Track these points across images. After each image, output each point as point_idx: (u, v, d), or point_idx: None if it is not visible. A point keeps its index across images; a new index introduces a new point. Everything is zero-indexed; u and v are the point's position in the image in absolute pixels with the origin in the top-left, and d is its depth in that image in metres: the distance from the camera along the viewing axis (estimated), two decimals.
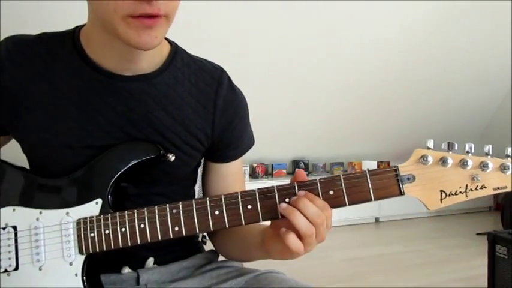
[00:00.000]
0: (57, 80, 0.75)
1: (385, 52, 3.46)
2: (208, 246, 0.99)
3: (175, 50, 0.81)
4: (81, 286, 0.71)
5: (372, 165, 4.37)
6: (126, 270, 0.80)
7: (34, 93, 0.75)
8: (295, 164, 4.19)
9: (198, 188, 1.05)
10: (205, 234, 0.97)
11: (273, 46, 3.11)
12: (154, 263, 0.83)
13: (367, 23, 3.15)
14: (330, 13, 2.98)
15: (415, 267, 2.86)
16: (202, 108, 0.81)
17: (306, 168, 4.19)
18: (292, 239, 0.64)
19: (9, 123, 0.78)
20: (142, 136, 0.77)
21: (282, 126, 3.81)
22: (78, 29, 0.78)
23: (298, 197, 0.65)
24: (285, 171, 4.15)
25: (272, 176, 4.11)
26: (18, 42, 0.77)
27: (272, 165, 4.14)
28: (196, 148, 0.82)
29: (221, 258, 0.93)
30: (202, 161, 0.93)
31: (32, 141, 0.77)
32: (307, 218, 0.63)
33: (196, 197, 1.01)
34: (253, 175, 4.00)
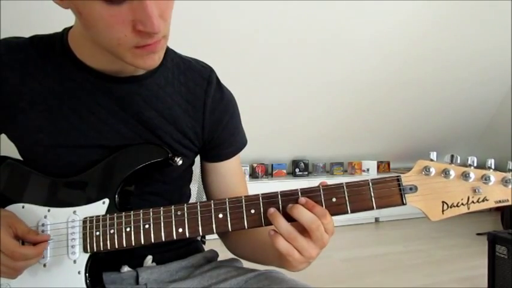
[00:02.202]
0: (49, 81, 0.76)
1: (385, 52, 3.46)
2: (208, 245, 0.99)
3: (166, 51, 0.82)
4: (84, 284, 0.72)
5: (371, 165, 4.38)
6: (126, 269, 0.82)
7: (27, 95, 0.76)
8: (295, 164, 4.18)
9: (196, 187, 1.05)
10: None
11: (273, 47, 3.11)
12: (152, 261, 0.84)
13: (367, 22, 3.15)
14: (330, 13, 2.98)
15: (415, 267, 2.87)
16: (192, 108, 0.83)
17: (306, 168, 4.18)
18: (280, 241, 0.65)
19: (3, 124, 0.79)
20: (134, 135, 0.79)
21: (282, 126, 3.81)
22: (66, 31, 0.79)
23: (293, 205, 0.66)
24: (285, 171, 4.14)
25: (272, 176, 4.10)
26: (10, 45, 0.78)
27: (272, 165, 4.14)
28: (188, 147, 0.84)
29: (220, 258, 0.94)
30: (199, 162, 0.94)
31: (26, 142, 0.78)
32: (302, 223, 0.65)
33: (193, 195, 1.02)
34: (253, 175, 3.99)
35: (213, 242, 0.94)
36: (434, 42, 3.50)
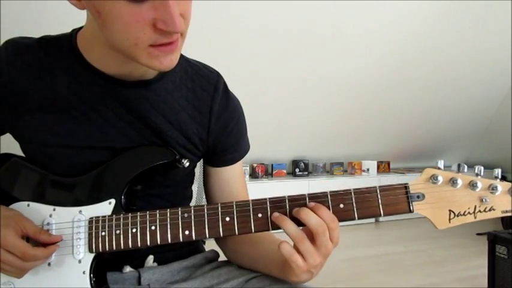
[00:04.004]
0: (56, 83, 0.76)
1: (384, 51, 3.46)
2: (208, 245, 0.99)
3: None
4: (89, 284, 0.72)
5: (372, 165, 4.38)
6: (128, 269, 0.82)
7: (34, 96, 0.76)
8: (295, 164, 4.18)
9: (196, 187, 1.06)
10: None
11: (273, 46, 3.12)
12: (154, 261, 0.85)
13: (366, 21, 3.15)
14: (330, 13, 2.99)
15: (415, 267, 2.87)
16: (198, 114, 0.83)
17: (306, 168, 4.18)
18: (285, 245, 0.66)
19: (9, 123, 0.79)
20: (140, 138, 0.79)
21: (282, 126, 3.82)
22: (75, 33, 0.79)
23: (301, 208, 0.67)
24: (285, 171, 4.14)
25: (272, 176, 4.10)
26: (18, 46, 0.78)
27: (272, 165, 4.14)
28: (192, 152, 0.84)
29: (221, 258, 0.93)
30: (201, 166, 0.94)
31: (32, 141, 0.78)
32: (309, 226, 0.65)
33: (194, 196, 1.03)
34: (253, 175, 3.99)
35: (213, 242, 0.94)
36: (434, 41, 3.50)
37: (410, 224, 4.12)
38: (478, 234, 3.57)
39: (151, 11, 0.59)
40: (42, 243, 0.72)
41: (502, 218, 3.58)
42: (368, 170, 4.39)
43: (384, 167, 4.57)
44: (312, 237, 0.66)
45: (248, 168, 3.99)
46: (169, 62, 0.66)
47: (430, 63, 3.70)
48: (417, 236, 3.71)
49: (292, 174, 4.20)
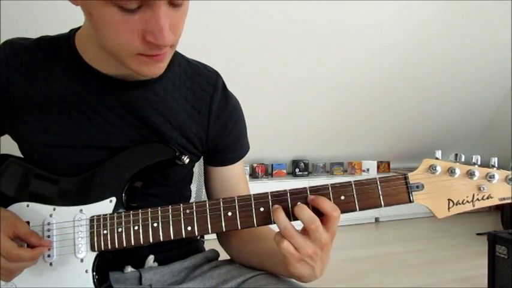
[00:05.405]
0: (56, 84, 0.76)
1: (384, 52, 3.47)
2: (208, 245, 0.99)
3: (173, 55, 0.81)
4: (91, 283, 0.72)
5: (372, 165, 4.38)
6: (129, 269, 0.82)
7: (33, 97, 0.76)
8: (295, 164, 4.19)
9: (195, 187, 1.06)
10: None
11: (273, 46, 3.12)
12: (154, 261, 0.85)
13: (367, 23, 3.16)
14: (330, 14, 2.99)
15: (415, 267, 2.87)
16: (197, 113, 0.83)
17: (306, 168, 4.19)
18: (276, 235, 0.66)
19: (8, 124, 0.79)
20: (140, 138, 0.79)
21: (282, 126, 3.82)
22: (73, 33, 0.79)
23: (297, 204, 0.67)
24: (285, 171, 4.14)
25: (272, 176, 4.11)
26: (16, 47, 0.78)
27: (272, 165, 4.14)
28: (191, 152, 0.84)
29: (221, 258, 0.93)
30: (200, 166, 0.94)
31: (32, 142, 0.78)
32: (303, 223, 0.65)
33: (193, 196, 1.02)
34: (253, 175, 4.00)
35: (213, 242, 0.94)
36: (434, 41, 3.51)
37: (410, 224, 4.13)
38: (478, 234, 3.57)
39: (141, 23, 0.59)
40: (31, 245, 0.71)
41: (502, 218, 3.58)
42: (368, 170, 4.40)
43: (384, 167, 4.58)
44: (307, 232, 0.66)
45: (248, 168, 3.99)
46: (157, 69, 0.66)
47: (430, 62, 3.71)
48: (417, 236, 3.72)
49: (292, 174, 4.20)
